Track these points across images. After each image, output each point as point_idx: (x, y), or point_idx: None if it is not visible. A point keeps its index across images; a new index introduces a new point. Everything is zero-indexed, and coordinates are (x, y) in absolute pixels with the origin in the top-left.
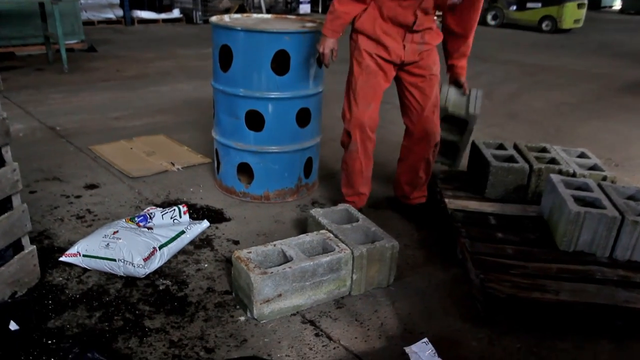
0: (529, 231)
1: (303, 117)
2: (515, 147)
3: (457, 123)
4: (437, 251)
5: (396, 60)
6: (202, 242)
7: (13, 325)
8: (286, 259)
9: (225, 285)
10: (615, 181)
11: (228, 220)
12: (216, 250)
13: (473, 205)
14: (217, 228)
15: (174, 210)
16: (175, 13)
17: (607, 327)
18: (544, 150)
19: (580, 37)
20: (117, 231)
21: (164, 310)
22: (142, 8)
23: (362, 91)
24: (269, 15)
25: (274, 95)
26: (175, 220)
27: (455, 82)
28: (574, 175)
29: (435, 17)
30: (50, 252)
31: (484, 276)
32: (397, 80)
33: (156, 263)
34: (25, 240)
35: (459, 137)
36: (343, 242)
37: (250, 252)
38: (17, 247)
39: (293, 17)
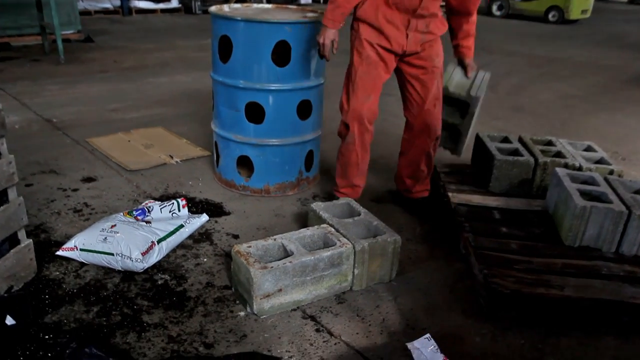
0: (534, 226)
1: (304, 110)
2: (521, 140)
3: (459, 105)
4: (440, 246)
5: (398, 50)
6: (201, 236)
7: (9, 320)
8: (287, 254)
9: (224, 280)
10: (622, 175)
11: (228, 214)
12: (215, 244)
13: (477, 199)
14: (216, 222)
15: (173, 203)
16: (174, 3)
17: (613, 324)
18: (549, 143)
19: (588, 28)
20: (115, 225)
21: (162, 305)
22: None
23: (361, 82)
24: (269, 5)
25: (274, 86)
26: (174, 214)
27: (461, 63)
28: (580, 169)
29: (441, 3)
30: (47, 246)
31: (487, 271)
32: (398, 71)
33: (154, 257)
34: (22, 234)
35: (460, 120)
36: (344, 236)
37: (250, 247)
38: (13, 241)
39: (294, 7)
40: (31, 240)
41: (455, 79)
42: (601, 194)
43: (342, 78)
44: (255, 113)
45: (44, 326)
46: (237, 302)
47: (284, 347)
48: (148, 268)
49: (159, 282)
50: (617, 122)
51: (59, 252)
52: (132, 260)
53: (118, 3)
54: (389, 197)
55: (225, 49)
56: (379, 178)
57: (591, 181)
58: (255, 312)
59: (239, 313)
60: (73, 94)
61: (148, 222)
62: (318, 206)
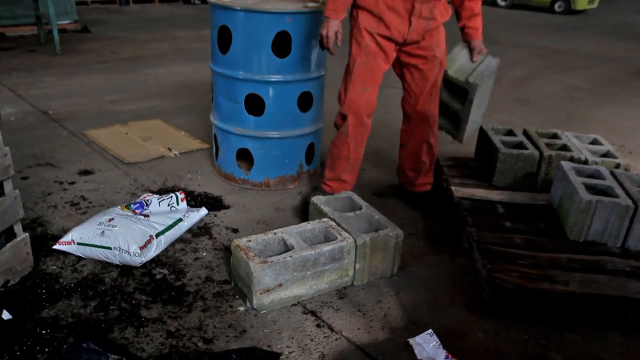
0: (538, 220)
1: (305, 101)
2: (525, 133)
3: (459, 91)
4: (443, 240)
5: (398, 38)
6: (200, 230)
7: (6, 315)
8: (287, 248)
9: (224, 275)
10: (628, 169)
11: (227, 207)
12: (215, 238)
13: (480, 193)
14: (215, 216)
15: (171, 197)
16: None
17: (618, 320)
18: (554, 136)
19: (595, 18)
20: (113, 218)
21: (161, 300)
22: None
23: (359, 72)
24: None
25: (274, 78)
26: (172, 208)
27: (469, 46)
28: (585, 162)
29: None
30: (43, 239)
31: (491, 266)
32: (397, 61)
33: (153, 251)
34: (18, 228)
35: (460, 106)
36: (346, 230)
37: (249, 241)
38: (9, 234)
39: None
40: (27, 234)
41: (459, 63)
42: (607, 187)
43: (343, 69)
44: (255, 105)
45: (41, 321)
46: (237, 297)
47: (284, 342)
48: (146, 262)
49: (158, 277)
50: (623, 115)
51: (56, 246)
52: (130, 255)
53: None
54: (390, 191)
55: (224, 39)
56: (380, 171)
57: (597, 175)
58: (255, 307)
59: (239, 308)
60: (69, 85)
61: (146, 215)
62: (319, 200)
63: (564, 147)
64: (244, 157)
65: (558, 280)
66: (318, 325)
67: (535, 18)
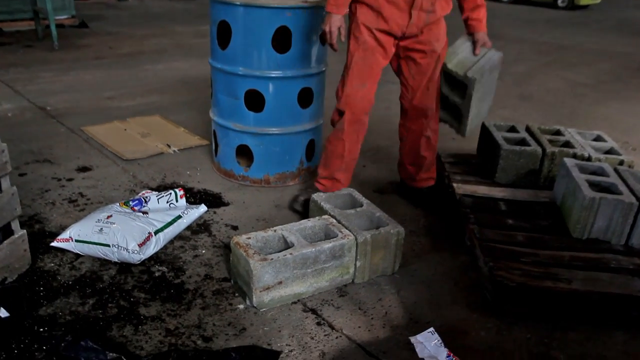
0: (541, 217)
1: (305, 97)
2: (528, 129)
3: (458, 84)
4: (445, 238)
5: (397, 32)
6: (200, 227)
7: (3, 312)
8: (287, 245)
9: (223, 272)
10: (632, 166)
11: (226, 204)
12: (214, 235)
13: (482, 190)
14: (215, 213)
15: (170, 194)
16: None
17: (622, 318)
18: (557, 133)
19: (599, 13)
20: (111, 215)
21: (159, 298)
22: None
23: (357, 68)
24: None
25: (274, 74)
26: (171, 205)
27: (472, 39)
28: (589, 159)
29: None
30: (41, 237)
31: (493, 264)
32: (395, 54)
33: (152, 249)
34: (15, 225)
35: (460, 100)
36: (346, 227)
37: (249, 238)
38: (6, 231)
39: None
40: (25, 231)
41: (460, 56)
42: (611, 185)
43: (344, 65)
44: (255, 101)
45: (39, 319)
46: (236, 294)
47: (284, 340)
48: (145, 260)
49: (156, 274)
50: (627, 111)
51: (54, 243)
52: (129, 252)
53: None
54: (392, 188)
55: (224, 34)
56: (382, 168)
57: (600, 172)
58: (255, 305)
59: (238, 306)
60: (67, 81)
61: (145, 212)
62: (319, 197)
63: (567, 144)
64: (244, 153)
65: (561, 278)
66: (318, 324)
67: (538, 13)
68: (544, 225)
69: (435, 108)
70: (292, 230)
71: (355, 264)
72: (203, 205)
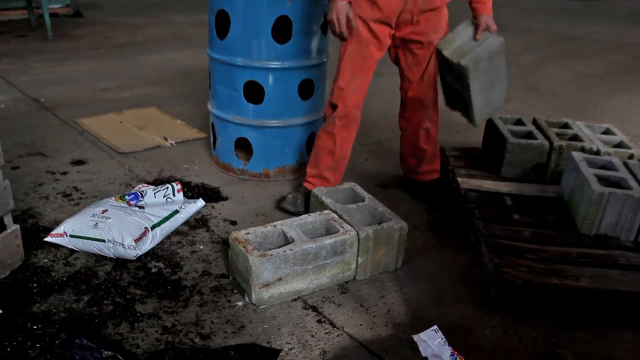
0: (548, 213)
1: (306, 89)
2: (535, 122)
3: (456, 72)
4: (449, 234)
5: (391, 19)
6: (197, 222)
7: None
8: (287, 241)
9: (221, 269)
10: None
11: (225, 199)
12: (212, 231)
13: (488, 184)
14: (213, 207)
15: (167, 188)
16: None
17: (631, 316)
18: (565, 126)
19: (608, 3)
20: (106, 210)
21: (156, 295)
22: None
23: (349, 60)
24: None
25: (274, 65)
26: (168, 199)
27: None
28: (597, 153)
29: None
30: (34, 232)
31: (498, 260)
32: (392, 45)
33: (148, 244)
34: (8, 219)
35: (461, 88)
36: (348, 223)
37: (248, 233)
38: None
39: None
40: (18, 225)
41: (459, 42)
42: (620, 179)
43: None
44: (254, 93)
45: (32, 316)
46: (235, 291)
47: (283, 338)
48: (141, 255)
49: (153, 270)
50: (638, 104)
51: (48, 239)
52: (125, 247)
53: None
54: (395, 182)
55: (222, 24)
56: (384, 162)
57: (609, 166)
58: (254, 302)
59: (237, 303)
60: (61, 71)
61: (141, 207)
62: (320, 191)
63: (575, 137)
64: (243, 146)
65: (568, 275)
66: (319, 321)
67: (546, 3)
68: (551, 220)
69: (433, 99)
70: (292, 225)
71: (357, 260)
72: (201, 199)
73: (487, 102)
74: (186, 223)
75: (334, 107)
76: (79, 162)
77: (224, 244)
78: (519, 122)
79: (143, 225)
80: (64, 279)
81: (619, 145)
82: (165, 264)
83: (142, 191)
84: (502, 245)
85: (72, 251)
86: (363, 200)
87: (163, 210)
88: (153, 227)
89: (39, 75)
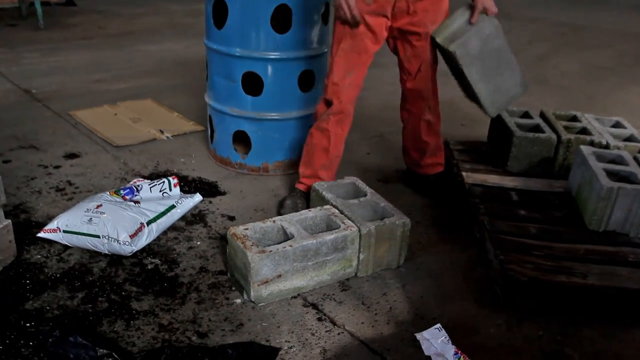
0: (555, 208)
1: (306, 81)
2: (542, 115)
3: (451, 59)
4: (453, 230)
5: (387, 10)
6: (195, 217)
7: None
8: (286, 237)
9: (219, 265)
10: None
11: (223, 193)
12: (210, 226)
13: (493, 179)
14: (210, 202)
15: (164, 182)
16: None
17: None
18: (574, 119)
19: None
20: (101, 205)
21: (152, 292)
22: None
23: (344, 55)
24: None
25: (273, 55)
26: (164, 194)
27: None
28: (607, 147)
29: None
30: (27, 227)
31: (504, 257)
32: (390, 37)
33: (144, 240)
34: (0, 214)
35: (461, 75)
36: (349, 218)
37: (247, 229)
38: None
39: None
40: (10, 220)
41: (454, 27)
42: (630, 174)
43: None
44: (253, 84)
45: (25, 313)
46: (233, 288)
47: (283, 336)
48: (137, 251)
49: (149, 267)
50: None
51: (41, 234)
52: (120, 243)
53: None
54: (397, 177)
55: (220, 13)
56: (387, 156)
57: (619, 160)
58: (253, 300)
59: (235, 300)
60: (54, 62)
61: (137, 202)
62: (321, 186)
63: (584, 131)
64: (241, 140)
65: (576, 273)
66: (319, 319)
67: None
68: (558, 216)
69: (433, 90)
70: (292, 221)
71: (358, 257)
72: (198, 194)
73: (495, 89)
74: (183, 218)
75: (328, 103)
76: (72, 156)
77: (222, 240)
78: (525, 114)
79: (139, 220)
80: (58, 275)
81: (629, 138)
82: (161, 261)
83: (138, 185)
84: (507, 242)
85: (66, 247)
86: (365, 195)
87: (159, 205)
88: (149, 223)
89: (30, 66)
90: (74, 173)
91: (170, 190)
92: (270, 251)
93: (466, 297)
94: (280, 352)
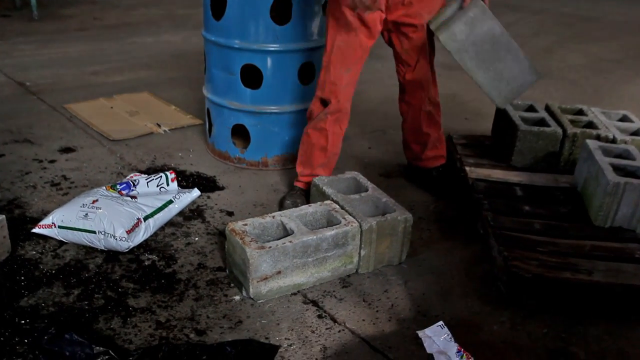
0: (560, 204)
1: (306, 73)
2: (547, 108)
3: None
4: (456, 225)
5: (381, 3)
6: (192, 212)
7: None
8: (286, 233)
9: (218, 261)
10: None
11: (221, 188)
12: (208, 222)
13: (497, 174)
14: (209, 197)
15: (161, 177)
16: None
17: None
18: (580, 112)
19: None
20: (97, 200)
21: (149, 288)
22: None
23: (339, 53)
24: None
25: (273, 47)
26: (162, 189)
27: None
28: (613, 141)
29: None
30: (21, 222)
31: (507, 253)
32: (385, 30)
33: (141, 236)
34: None
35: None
36: (350, 214)
37: (246, 225)
38: None
39: None
40: (4, 216)
41: (447, 13)
42: (637, 169)
43: None
44: (252, 77)
45: (20, 310)
46: (232, 285)
47: (283, 334)
48: (134, 247)
49: (146, 263)
50: None
51: (36, 230)
52: (116, 239)
53: None
54: (399, 171)
55: (218, 4)
56: (388, 151)
57: (626, 155)
58: (252, 296)
59: (234, 297)
60: (48, 54)
61: (133, 197)
62: (321, 180)
63: (590, 124)
64: (240, 133)
65: (581, 269)
66: (320, 316)
67: None
68: (564, 212)
69: (432, 79)
70: (292, 216)
71: (359, 253)
72: (196, 189)
73: (497, 77)
74: (181, 214)
75: (324, 102)
76: (67, 150)
77: (221, 236)
78: (530, 108)
79: (135, 216)
80: (53, 271)
81: (636, 132)
82: (158, 257)
83: (135, 180)
84: (511, 238)
85: (61, 243)
86: (366, 190)
87: (156, 200)
88: (146, 218)
89: (24, 58)
90: (69, 167)
91: (168, 185)
92: (270, 247)
93: (469, 294)
94: (279, 350)
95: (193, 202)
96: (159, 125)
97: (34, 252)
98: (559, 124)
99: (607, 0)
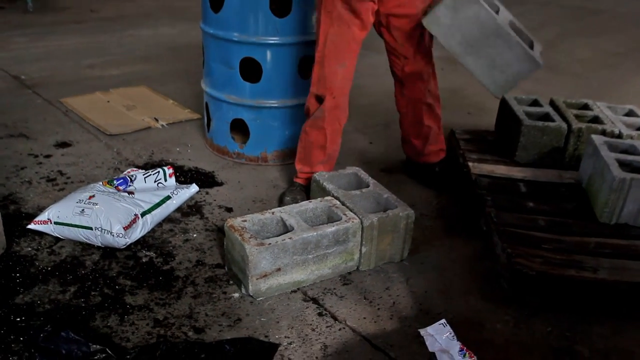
0: (565, 200)
1: (307, 67)
2: (552, 103)
3: None
4: (458, 222)
5: None
6: (191, 208)
7: None
8: (286, 229)
9: (216, 258)
10: None
11: (220, 184)
12: (206, 218)
13: (501, 170)
14: (207, 193)
15: (158, 172)
16: None
17: None
18: (585, 107)
19: None
20: (94, 195)
21: (147, 285)
22: None
23: (333, 46)
24: None
25: (272, 40)
26: (159, 184)
27: None
28: (619, 136)
29: None
30: (17, 218)
31: (511, 251)
32: (378, 24)
33: (138, 232)
34: None
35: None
36: (351, 210)
37: (245, 221)
38: None
39: None
40: None
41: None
42: None
43: None
44: (251, 70)
45: (15, 308)
46: (231, 282)
47: (282, 332)
48: (131, 244)
49: (144, 260)
50: None
51: (31, 226)
52: (113, 235)
53: None
54: (401, 167)
55: None
56: (390, 146)
57: (632, 150)
58: (251, 294)
59: (233, 294)
60: (44, 47)
61: (131, 192)
62: (321, 176)
63: (596, 119)
64: (239, 128)
65: (586, 267)
66: (320, 314)
67: None
68: (568, 208)
69: (432, 71)
70: (292, 212)
71: (360, 250)
72: (194, 184)
73: (489, 64)
74: (179, 210)
75: (319, 99)
76: (63, 145)
77: (219, 232)
78: (535, 102)
79: (133, 211)
80: (49, 268)
81: None
82: (156, 253)
83: (132, 176)
84: (515, 235)
85: (57, 239)
86: (367, 186)
87: (154, 196)
88: (143, 214)
89: (19, 51)
90: (65, 162)
91: (166, 180)
92: (269, 244)
93: (472, 292)
94: (279, 348)
95: (191, 198)
96: (156, 120)
97: (30, 249)
98: (564, 118)
99: None
